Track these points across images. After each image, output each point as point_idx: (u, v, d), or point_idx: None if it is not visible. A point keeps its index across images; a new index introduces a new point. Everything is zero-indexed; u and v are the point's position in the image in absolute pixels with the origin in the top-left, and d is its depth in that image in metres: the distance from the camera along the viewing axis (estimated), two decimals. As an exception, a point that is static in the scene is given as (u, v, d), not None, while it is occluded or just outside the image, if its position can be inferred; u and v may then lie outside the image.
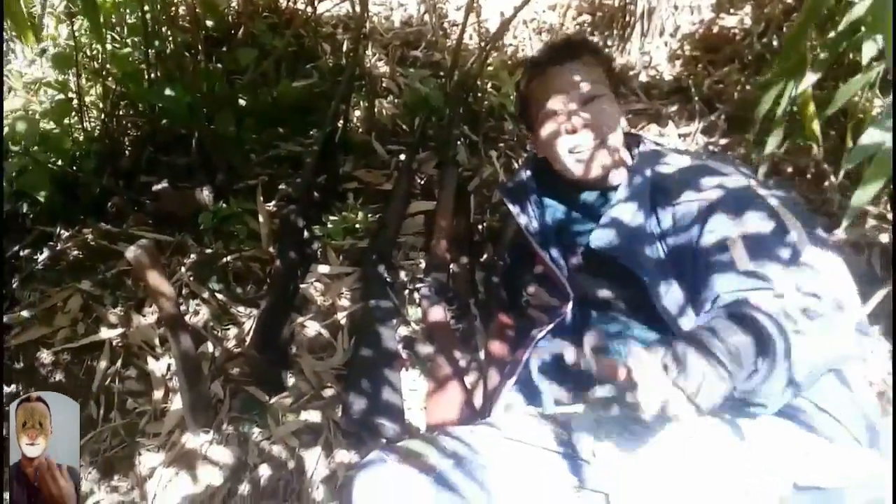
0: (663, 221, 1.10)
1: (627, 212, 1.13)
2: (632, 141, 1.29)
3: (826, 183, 1.83)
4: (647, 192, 1.14)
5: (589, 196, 1.25)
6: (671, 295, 1.03)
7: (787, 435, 0.88)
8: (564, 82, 1.23)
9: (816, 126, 1.31)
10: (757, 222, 0.99)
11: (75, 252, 1.74)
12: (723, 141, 1.97)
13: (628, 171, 1.20)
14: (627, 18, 2.36)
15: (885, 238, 1.64)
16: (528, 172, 1.38)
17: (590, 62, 1.25)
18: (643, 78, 2.30)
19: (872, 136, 0.77)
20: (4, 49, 1.72)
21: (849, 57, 1.71)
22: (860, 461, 0.85)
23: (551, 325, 1.19)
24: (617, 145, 1.22)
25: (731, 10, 2.49)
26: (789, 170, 1.83)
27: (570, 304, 1.19)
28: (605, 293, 1.17)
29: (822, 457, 0.83)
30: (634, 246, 1.09)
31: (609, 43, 2.46)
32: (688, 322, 1.01)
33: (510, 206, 1.34)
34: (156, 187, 1.79)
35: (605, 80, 1.26)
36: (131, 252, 1.12)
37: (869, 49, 1.14)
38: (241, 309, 1.59)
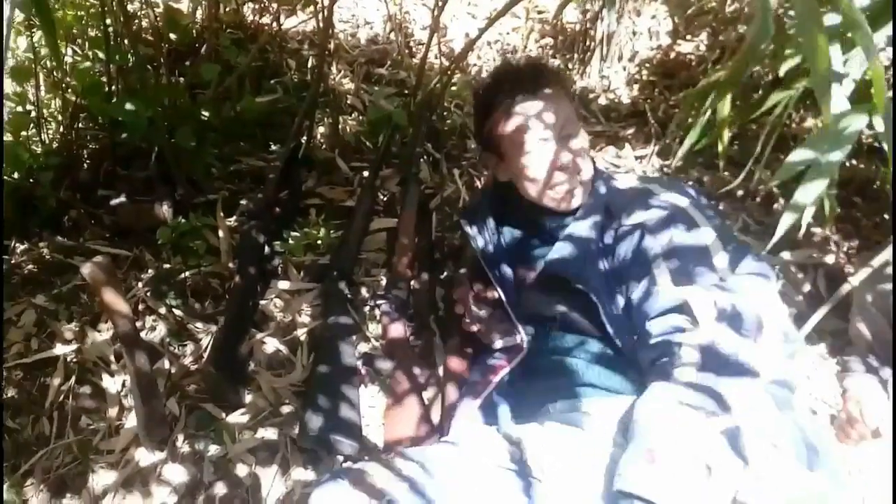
0: (607, 243, 1.13)
1: (580, 234, 1.17)
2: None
3: (775, 205, 1.90)
4: (598, 218, 1.17)
5: (547, 218, 1.27)
6: (615, 314, 1.06)
7: (729, 450, 0.91)
8: (540, 117, 1.20)
9: (726, 132, 1.36)
10: (684, 246, 1.03)
11: (30, 266, 1.71)
12: (677, 163, 2.03)
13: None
14: (588, 43, 2.42)
15: (830, 259, 1.70)
16: (487, 198, 1.40)
17: (559, 91, 1.23)
18: (602, 101, 2.36)
19: (802, 154, 0.82)
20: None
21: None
22: (797, 482, 0.88)
23: (514, 363, 1.20)
24: (589, 174, 1.23)
25: (688, 37, 2.58)
26: (740, 193, 1.89)
27: (523, 330, 1.21)
28: (561, 310, 1.20)
29: (761, 475, 0.86)
30: (585, 266, 1.13)
31: (570, 66, 2.52)
32: (629, 342, 1.05)
33: (468, 230, 1.37)
34: (114, 201, 1.78)
35: (573, 108, 1.25)
36: (87, 268, 1.11)
37: (787, 63, 1.19)
38: (199, 325, 1.58)
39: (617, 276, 1.09)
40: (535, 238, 1.30)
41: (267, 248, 1.69)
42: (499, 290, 1.27)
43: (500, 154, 1.29)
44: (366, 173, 1.97)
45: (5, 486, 1.28)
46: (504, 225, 1.37)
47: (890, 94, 0.88)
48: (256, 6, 2.40)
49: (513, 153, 1.24)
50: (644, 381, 0.97)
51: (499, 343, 1.25)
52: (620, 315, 1.07)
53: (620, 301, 1.07)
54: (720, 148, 1.46)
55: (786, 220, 0.85)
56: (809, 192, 0.84)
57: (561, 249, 1.17)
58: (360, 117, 2.28)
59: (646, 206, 1.11)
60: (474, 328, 1.31)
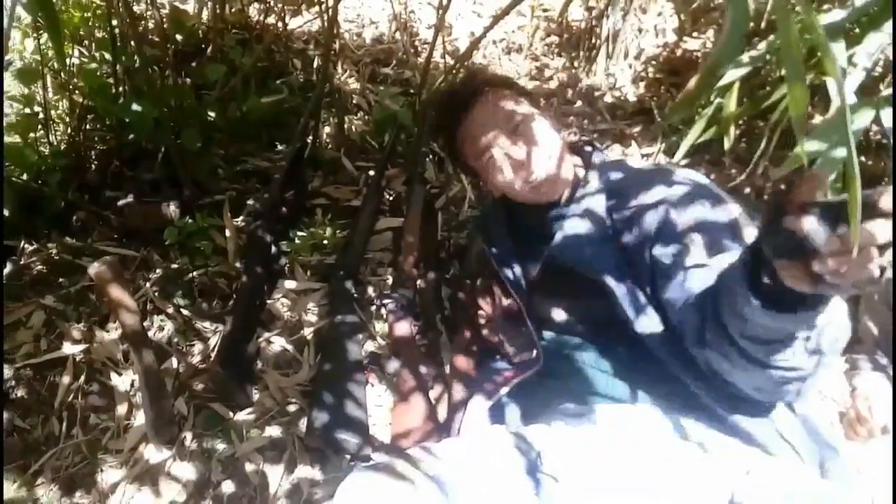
0: (619, 225, 1.11)
1: (582, 222, 1.15)
2: (584, 152, 1.29)
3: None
4: (602, 199, 1.16)
5: (547, 214, 1.26)
6: (629, 297, 1.05)
7: (731, 450, 0.91)
8: (484, 121, 1.20)
9: (731, 125, 1.34)
10: (714, 217, 1.01)
11: (39, 266, 1.72)
12: (683, 161, 2.02)
13: (581, 182, 1.22)
14: (593, 41, 2.42)
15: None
16: (498, 203, 1.40)
17: (497, 92, 1.23)
18: (608, 99, 2.36)
19: (811, 145, 0.81)
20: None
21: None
22: (802, 481, 0.87)
23: (528, 374, 1.18)
24: (562, 157, 1.20)
25: (694, 34, 2.56)
26: (747, 190, 1.88)
27: (539, 344, 1.20)
28: (565, 306, 1.20)
29: (764, 474, 0.86)
30: (591, 253, 1.11)
31: (576, 64, 2.52)
32: (648, 322, 1.03)
33: (481, 237, 1.37)
34: (121, 202, 1.78)
35: (522, 100, 1.23)
36: (94, 268, 1.12)
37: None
38: (207, 325, 1.58)
39: (635, 257, 1.06)
40: (542, 236, 1.29)
41: (273, 248, 1.70)
42: (516, 298, 1.26)
43: (472, 173, 1.33)
44: (371, 173, 1.98)
45: (15, 486, 1.29)
46: (515, 228, 1.37)
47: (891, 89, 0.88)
48: (262, 6, 2.40)
49: (478, 169, 1.27)
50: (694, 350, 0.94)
51: (516, 358, 1.24)
52: (631, 300, 1.05)
53: (632, 285, 1.05)
54: (726, 144, 1.45)
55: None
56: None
57: (562, 238, 1.16)
58: (366, 117, 2.28)
59: (666, 183, 1.08)
60: (495, 339, 1.31)
